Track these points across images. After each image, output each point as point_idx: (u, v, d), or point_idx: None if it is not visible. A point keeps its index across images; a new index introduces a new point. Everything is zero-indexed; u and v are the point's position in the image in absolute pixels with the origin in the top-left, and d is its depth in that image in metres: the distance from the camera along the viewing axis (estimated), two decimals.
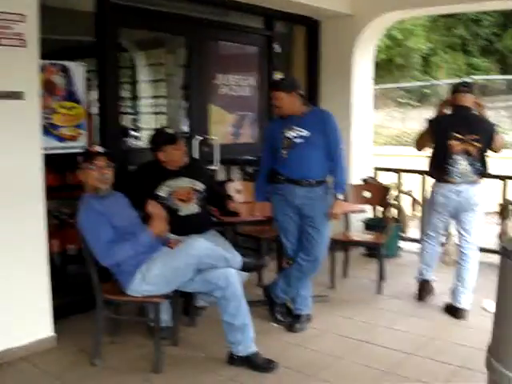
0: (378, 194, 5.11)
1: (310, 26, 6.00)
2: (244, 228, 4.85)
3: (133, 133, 6.01)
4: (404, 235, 5.90)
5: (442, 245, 4.62)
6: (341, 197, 3.78)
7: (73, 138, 4.06)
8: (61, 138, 3.99)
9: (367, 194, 5.14)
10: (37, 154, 3.47)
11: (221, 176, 5.47)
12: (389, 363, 3.39)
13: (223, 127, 5.47)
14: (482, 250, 4.46)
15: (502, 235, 5.25)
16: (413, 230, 6.05)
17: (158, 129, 4.31)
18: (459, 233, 4.28)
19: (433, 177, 4.35)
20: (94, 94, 4.39)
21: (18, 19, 3.25)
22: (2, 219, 3.32)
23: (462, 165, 4.09)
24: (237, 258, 3.55)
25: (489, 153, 4.15)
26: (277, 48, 5.81)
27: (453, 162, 4.10)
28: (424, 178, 5.68)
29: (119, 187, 3.46)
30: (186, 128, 5.25)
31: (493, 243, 5.43)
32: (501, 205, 5.44)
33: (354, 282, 5.02)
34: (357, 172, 5.81)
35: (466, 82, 4.56)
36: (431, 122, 4.32)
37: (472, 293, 4.18)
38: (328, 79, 6.00)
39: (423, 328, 3.95)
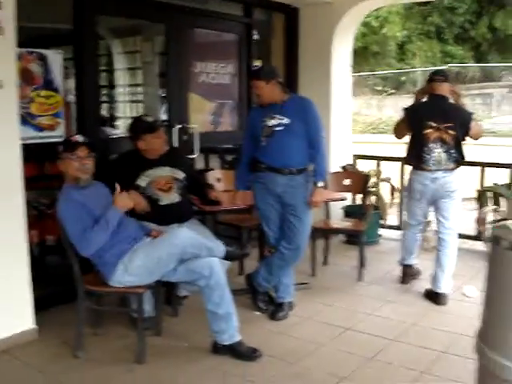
0: (358, 181, 5.13)
1: (289, 14, 5.97)
2: (225, 217, 4.84)
3: (110, 121, 5.95)
4: (383, 222, 5.94)
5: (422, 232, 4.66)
6: (321, 184, 3.79)
7: (51, 128, 3.99)
8: (39, 128, 3.92)
9: (347, 182, 5.16)
10: (15, 145, 3.40)
11: (200, 165, 5.44)
12: (371, 350, 3.41)
13: (202, 115, 5.42)
14: (461, 236, 4.53)
15: (480, 221, 5.32)
16: (392, 217, 6.10)
17: (136, 117, 4.23)
18: (437, 219, 4.33)
19: (410, 164, 4.39)
20: (71, 83, 4.33)
21: None
22: None
23: (437, 153, 4.14)
24: (220, 247, 3.54)
25: (468, 140, 4.20)
26: (255, 36, 5.78)
27: (428, 150, 4.15)
28: (403, 166, 5.73)
29: (99, 177, 3.42)
30: (164, 116, 5.21)
31: (471, 229, 5.51)
32: (478, 191, 5.52)
33: (334, 270, 5.05)
34: (336, 160, 5.83)
35: (441, 71, 4.59)
36: (407, 110, 4.35)
37: (451, 278, 4.23)
38: (307, 67, 5.98)
39: (404, 314, 3.99)
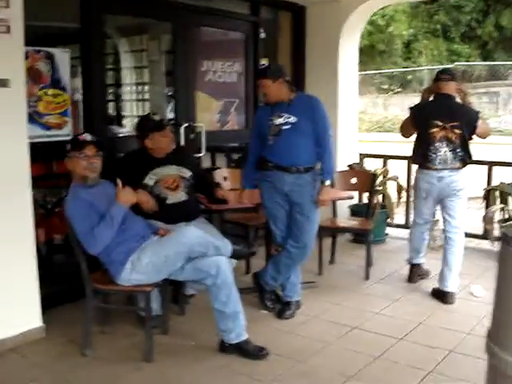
0: (365, 180, 5.12)
1: (296, 12, 5.96)
2: (232, 215, 4.84)
3: (117, 120, 5.95)
4: (390, 221, 5.93)
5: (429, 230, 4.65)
6: (328, 183, 3.78)
7: (58, 126, 4.00)
8: (46, 127, 3.93)
9: (354, 181, 5.15)
10: (23, 143, 3.41)
11: (206, 163, 5.44)
12: (378, 349, 3.41)
13: (209, 114, 5.42)
14: (468, 235, 4.52)
15: (487, 220, 5.30)
16: (399, 216, 6.09)
17: (143, 115, 4.23)
18: (444, 218, 4.32)
19: (416, 163, 4.39)
20: (78, 81, 4.33)
21: (2, 5, 3.18)
22: None
23: (443, 152, 4.13)
24: (227, 246, 3.53)
25: (475, 139, 4.19)
26: (262, 34, 5.77)
27: (434, 149, 4.15)
28: (409, 164, 5.72)
29: (106, 175, 3.43)
30: (170, 115, 5.20)
31: (478, 228, 5.49)
32: (485, 190, 5.50)
33: (341, 268, 5.05)
34: (343, 158, 5.81)
35: (448, 70, 4.58)
36: (413, 109, 4.35)
37: (458, 277, 4.22)
38: (314, 65, 5.97)
39: (411, 313, 3.98)
